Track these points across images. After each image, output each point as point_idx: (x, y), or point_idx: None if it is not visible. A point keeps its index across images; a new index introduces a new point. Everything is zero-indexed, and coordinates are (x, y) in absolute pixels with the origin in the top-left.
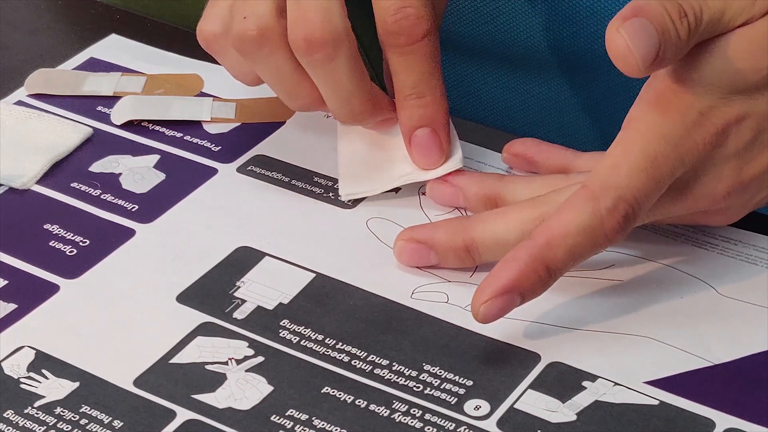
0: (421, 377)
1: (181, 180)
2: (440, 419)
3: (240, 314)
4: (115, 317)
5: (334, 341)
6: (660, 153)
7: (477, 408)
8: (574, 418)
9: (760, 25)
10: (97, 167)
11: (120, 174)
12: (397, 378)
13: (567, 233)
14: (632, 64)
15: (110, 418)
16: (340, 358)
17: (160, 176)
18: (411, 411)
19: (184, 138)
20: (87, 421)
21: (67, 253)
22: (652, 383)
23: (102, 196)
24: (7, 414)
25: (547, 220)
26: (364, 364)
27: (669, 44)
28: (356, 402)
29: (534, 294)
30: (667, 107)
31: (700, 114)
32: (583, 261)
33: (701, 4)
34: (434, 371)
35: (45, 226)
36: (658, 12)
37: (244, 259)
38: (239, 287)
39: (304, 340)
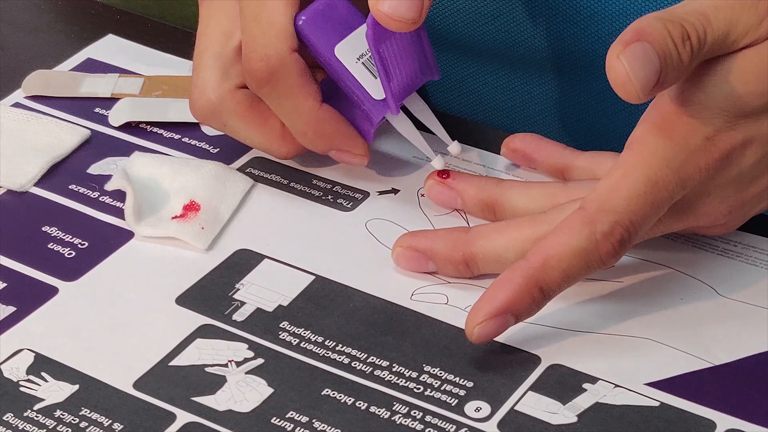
0: (421, 379)
1: None
2: (441, 421)
3: (239, 316)
4: (115, 319)
5: (334, 343)
6: (661, 178)
7: (478, 410)
8: (575, 419)
9: (765, 48)
10: (95, 169)
11: None
12: (398, 379)
13: (562, 256)
14: (631, 93)
15: (110, 421)
16: (340, 360)
17: None
18: (411, 413)
19: (182, 140)
20: (87, 423)
21: (66, 255)
22: (653, 385)
23: (100, 198)
24: (7, 417)
25: (543, 241)
26: (365, 366)
27: (670, 68)
28: (357, 404)
29: (528, 314)
30: (671, 131)
31: (706, 139)
32: (578, 282)
33: (705, 25)
34: (434, 372)
35: (43, 228)
36: (660, 35)
37: (243, 262)
38: (239, 289)
39: (304, 342)
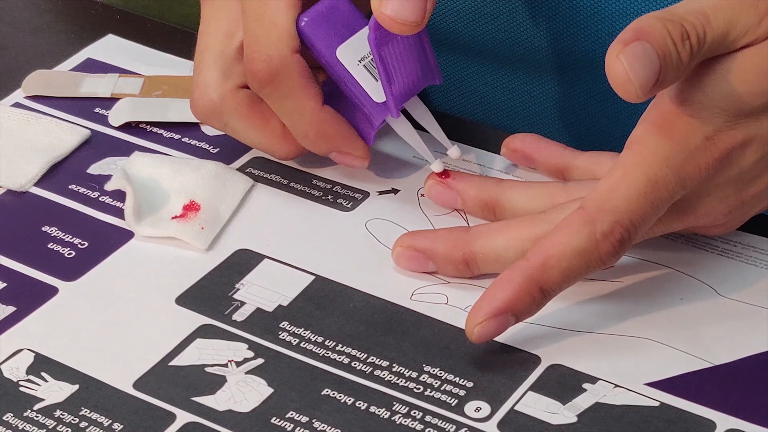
0: (421, 379)
1: None
2: (441, 421)
3: (239, 316)
4: (115, 319)
5: (334, 343)
6: (661, 177)
7: (478, 410)
8: (575, 419)
9: (766, 47)
10: (95, 169)
11: None
12: (398, 379)
13: (562, 256)
14: (631, 92)
15: (110, 421)
16: (340, 360)
17: None
18: (411, 413)
19: (182, 140)
20: (87, 423)
21: (66, 255)
22: (653, 385)
23: (100, 198)
24: (7, 417)
25: (543, 241)
26: (364, 366)
27: (670, 68)
28: (356, 404)
29: (528, 314)
30: (671, 131)
31: (706, 138)
32: (577, 281)
33: (705, 24)
34: (434, 372)
35: (43, 228)
36: (660, 35)
37: (243, 262)
38: (239, 289)
39: (304, 342)
